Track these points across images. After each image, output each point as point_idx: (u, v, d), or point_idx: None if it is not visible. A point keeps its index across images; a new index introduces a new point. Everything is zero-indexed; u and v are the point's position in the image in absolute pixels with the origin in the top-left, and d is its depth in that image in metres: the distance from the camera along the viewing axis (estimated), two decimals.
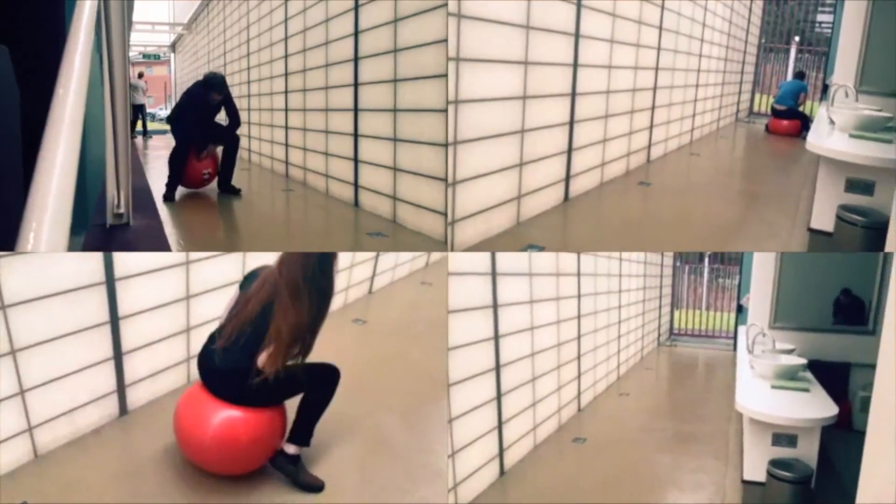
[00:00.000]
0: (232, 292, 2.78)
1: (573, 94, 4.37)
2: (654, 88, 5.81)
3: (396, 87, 4.22)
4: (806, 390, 3.86)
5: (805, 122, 7.86)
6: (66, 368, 2.80)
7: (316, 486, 2.66)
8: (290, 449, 2.66)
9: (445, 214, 3.56)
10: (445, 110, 3.43)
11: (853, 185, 3.40)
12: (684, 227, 4.10)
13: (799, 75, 8.84)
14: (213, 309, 3.49)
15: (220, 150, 5.38)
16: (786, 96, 8.05)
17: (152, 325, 3.20)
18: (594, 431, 4.83)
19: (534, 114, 3.97)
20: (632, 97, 5.36)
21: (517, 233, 3.86)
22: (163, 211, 4.77)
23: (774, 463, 3.56)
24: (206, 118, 5.19)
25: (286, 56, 6.48)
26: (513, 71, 3.75)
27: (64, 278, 2.71)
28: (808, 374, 4.21)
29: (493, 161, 3.73)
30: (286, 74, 6.53)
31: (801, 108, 8.05)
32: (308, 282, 2.58)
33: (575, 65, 4.32)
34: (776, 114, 8.16)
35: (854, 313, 4.97)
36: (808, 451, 3.57)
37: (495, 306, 3.74)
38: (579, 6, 4.26)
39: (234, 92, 8.38)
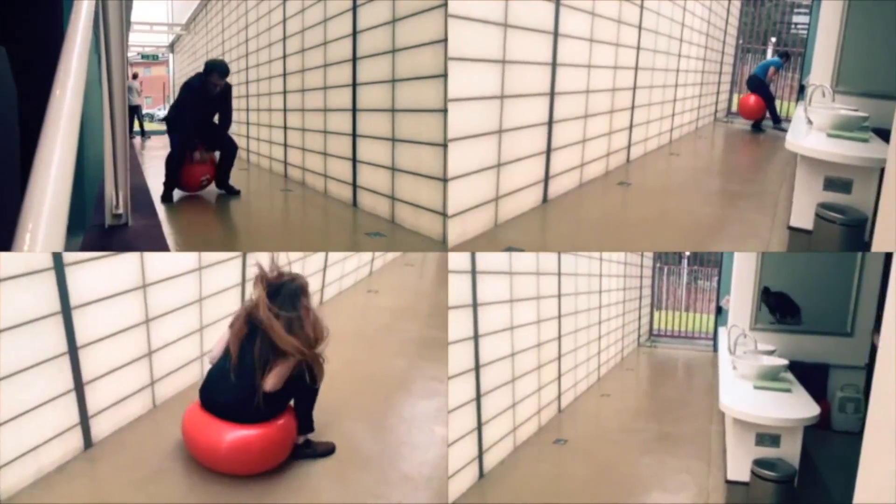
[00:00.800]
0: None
1: (552, 94, 4.34)
2: (634, 88, 5.80)
3: (395, 87, 4.19)
4: (788, 391, 3.87)
5: (772, 108, 8.14)
6: (27, 405, 2.65)
7: (331, 450, 3.06)
8: (301, 440, 3.01)
9: (444, 214, 3.55)
10: (444, 110, 3.40)
11: (831, 184, 3.44)
12: (664, 227, 4.09)
13: (783, 55, 8.92)
14: (173, 331, 3.43)
15: (216, 152, 5.34)
16: (759, 68, 8.56)
17: (112, 351, 3.06)
18: (575, 433, 4.80)
19: (512, 113, 3.93)
20: (611, 97, 5.35)
21: (495, 235, 3.83)
22: (161, 211, 4.75)
23: (758, 463, 3.57)
24: (204, 111, 5.12)
25: (285, 56, 6.45)
26: (490, 70, 3.71)
27: (19, 309, 2.56)
28: (790, 375, 4.22)
29: (471, 162, 3.69)
30: (285, 75, 6.50)
31: (770, 83, 8.27)
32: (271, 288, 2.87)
33: (554, 64, 4.29)
34: (748, 82, 8.50)
35: (789, 307, 5.02)
36: (791, 451, 3.58)
37: (475, 305, 3.69)
38: (558, 5, 4.23)
39: (233, 92, 8.35)
